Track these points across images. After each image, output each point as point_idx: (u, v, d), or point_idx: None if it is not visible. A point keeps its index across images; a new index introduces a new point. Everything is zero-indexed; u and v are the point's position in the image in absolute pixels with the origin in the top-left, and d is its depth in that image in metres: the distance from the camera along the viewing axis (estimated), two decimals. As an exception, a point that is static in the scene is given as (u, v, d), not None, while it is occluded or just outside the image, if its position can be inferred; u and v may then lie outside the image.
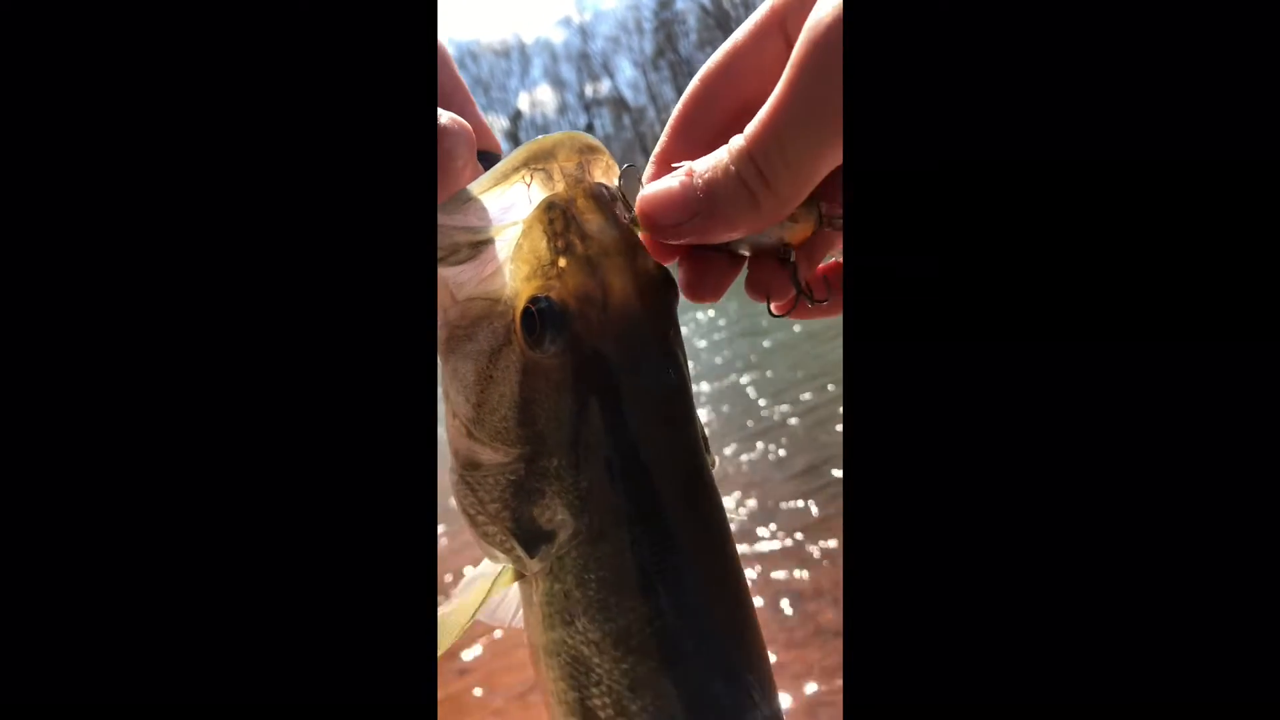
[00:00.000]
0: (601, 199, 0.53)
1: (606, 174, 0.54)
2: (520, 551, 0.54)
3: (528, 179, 0.52)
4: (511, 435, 0.52)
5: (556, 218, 0.51)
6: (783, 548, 3.71)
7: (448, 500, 0.56)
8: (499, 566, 0.57)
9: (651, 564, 0.52)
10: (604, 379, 0.51)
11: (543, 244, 0.51)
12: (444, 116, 0.50)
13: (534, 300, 0.50)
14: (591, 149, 0.54)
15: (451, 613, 0.56)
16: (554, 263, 0.51)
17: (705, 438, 0.56)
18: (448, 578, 3.80)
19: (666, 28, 65.43)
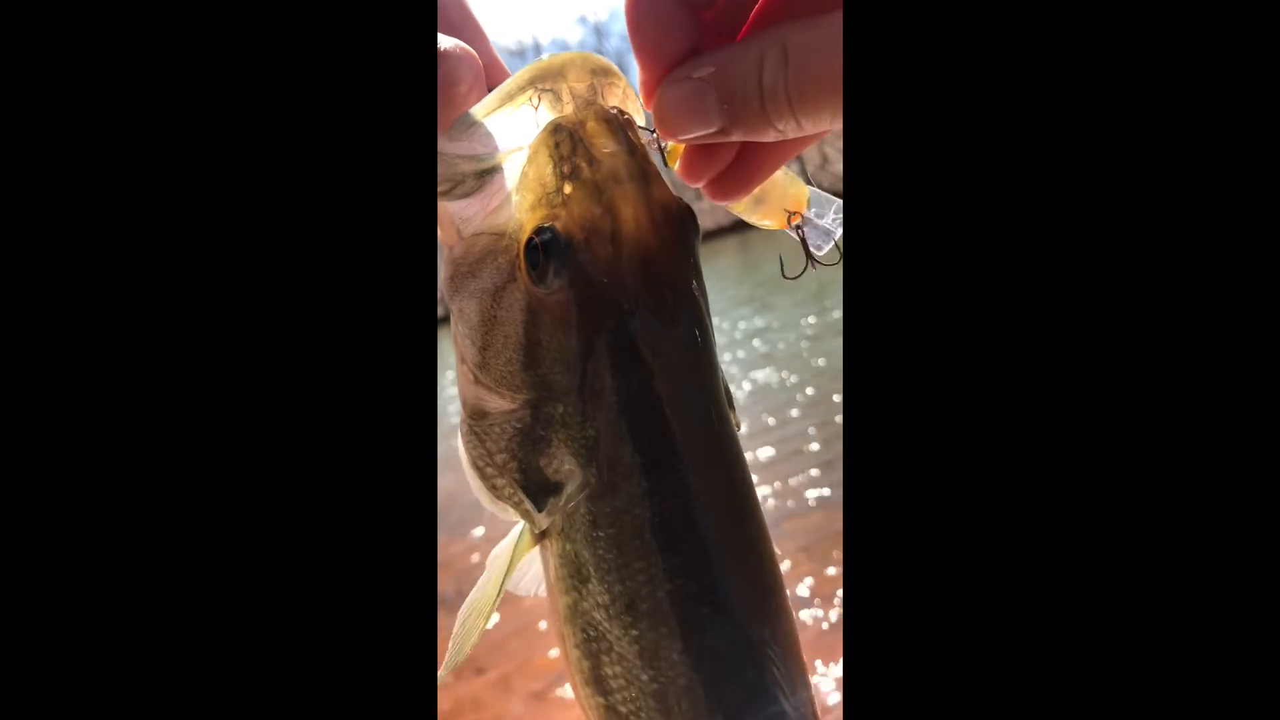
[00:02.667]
0: (614, 123, 0.48)
1: (624, 101, 0.50)
2: (528, 505, 0.50)
3: (535, 100, 0.47)
4: (517, 380, 0.48)
5: (563, 140, 0.47)
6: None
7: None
8: (518, 535, 0.53)
9: (664, 521, 0.47)
10: (612, 317, 0.46)
11: (548, 170, 0.47)
12: (446, 42, 0.46)
13: (538, 231, 0.46)
14: (606, 71, 0.48)
15: (479, 593, 0.53)
16: (559, 189, 0.47)
17: (728, 388, 0.51)
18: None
19: (682, 26, 65.15)
